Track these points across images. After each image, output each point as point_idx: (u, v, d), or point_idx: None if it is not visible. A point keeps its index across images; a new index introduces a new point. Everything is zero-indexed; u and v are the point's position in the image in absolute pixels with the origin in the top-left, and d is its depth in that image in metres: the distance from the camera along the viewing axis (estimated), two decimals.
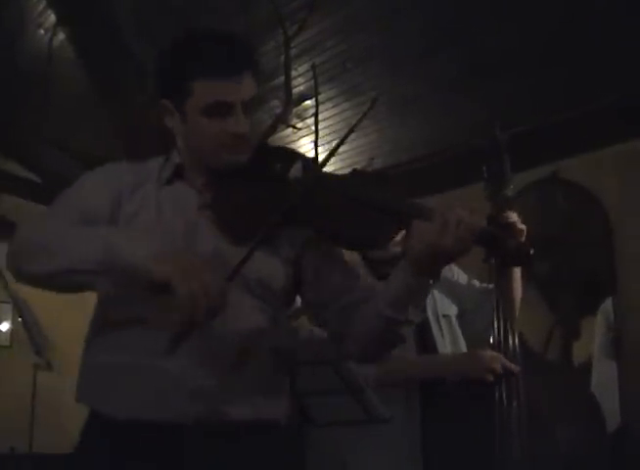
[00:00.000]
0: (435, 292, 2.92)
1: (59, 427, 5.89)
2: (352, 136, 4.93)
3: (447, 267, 3.02)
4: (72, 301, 5.20)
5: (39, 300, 5.51)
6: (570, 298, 4.35)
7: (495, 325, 2.71)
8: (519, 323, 2.99)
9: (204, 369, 1.60)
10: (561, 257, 4.37)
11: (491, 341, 2.73)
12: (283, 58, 3.97)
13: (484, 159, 2.84)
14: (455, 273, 3.03)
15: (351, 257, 2.05)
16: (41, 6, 4.33)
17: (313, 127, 4.30)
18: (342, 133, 4.82)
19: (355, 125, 1.71)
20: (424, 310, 2.89)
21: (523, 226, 2.76)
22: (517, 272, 2.83)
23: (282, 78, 4.04)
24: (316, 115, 4.17)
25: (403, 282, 1.60)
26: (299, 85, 4.37)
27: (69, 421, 6.03)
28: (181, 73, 1.65)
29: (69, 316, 6.23)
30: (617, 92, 3.94)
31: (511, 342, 2.69)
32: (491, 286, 2.86)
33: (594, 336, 4.19)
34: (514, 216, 2.76)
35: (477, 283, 3.01)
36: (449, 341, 2.90)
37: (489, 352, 2.64)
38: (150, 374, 1.61)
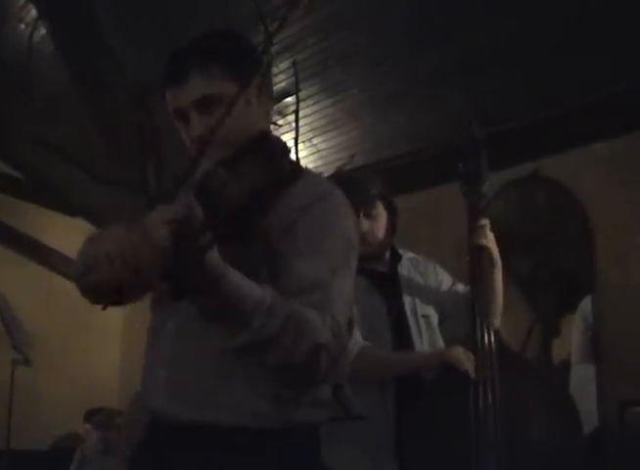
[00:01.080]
0: (415, 293, 2.92)
1: (37, 423, 5.89)
2: (333, 133, 4.96)
3: (432, 269, 3.03)
4: (50, 297, 5.21)
5: (17, 295, 5.52)
6: (549, 296, 4.35)
7: (473, 329, 2.71)
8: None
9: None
10: (541, 255, 4.37)
11: (469, 344, 2.74)
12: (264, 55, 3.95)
13: (461, 156, 2.84)
14: (439, 276, 3.02)
15: None
16: (22, 0, 4.31)
17: (294, 124, 4.29)
18: (324, 130, 4.83)
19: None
20: (400, 309, 2.90)
21: (491, 234, 2.78)
22: (498, 273, 2.84)
23: None
24: (297, 111, 4.16)
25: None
26: (281, 82, 4.37)
27: (48, 417, 6.06)
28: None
29: (47, 312, 6.23)
30: (598, 92, 3.94)
31: (488, 345, 2.70)
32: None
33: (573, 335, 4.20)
34: (485, 222, 2.78)
35: (460, 287, 3.00)
36: (427, 341, 2.89)
37: (463, 350, 2.64)
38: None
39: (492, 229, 2.86)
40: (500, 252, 2.90)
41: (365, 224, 2.85)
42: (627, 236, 3.89)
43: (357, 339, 2.78)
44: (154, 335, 1.76)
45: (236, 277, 1.43)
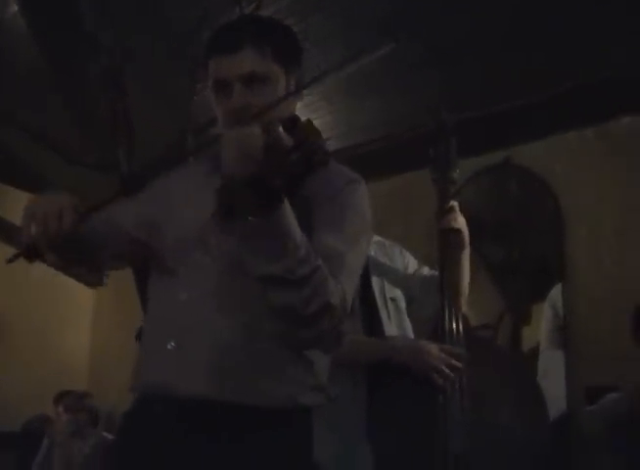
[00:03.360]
0: (383, 276, 2.93)
1: (7, 404, 5.85)
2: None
3: (398, 253, 3.04)
4: (19, 278, 5.17)
5: None
6: (520, 283, 4.37)
7: (441, 312, 2.72)
8: (467, 306, 3.01)
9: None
10: (512, 242, 4.39)
11: (436, 327, 2.75)
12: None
13: (431, 142, 2.84)
14: (406, 259, 3.03)
15: None
16: None
17: None
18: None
19: None
20: (368, 292, 2.91)
21: (461, 217, 2.80)
22: (465, 258, 2.85)
23: None
24: None
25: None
26: None
27: (18, 398, 6.01)
28: (204, 55, 1.77)
29: (16, 293, 6.18)
30: (570, 80, 3.95)
31: (455, 328, 2.70)
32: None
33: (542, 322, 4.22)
34: (455, 204, 2.79)
35: (426, 270, 3.01)
36: (396, 324, 2.90)
37: (437, 351, 2.64)
38: None
39: (463, 215, 2.88)
40: (471, 238, 2.91)
41: None
42: (598, 224, 3.91)
43: None
44: (161, 306, 1.78)
45: (290, 212, 1.52)
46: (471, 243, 2.91)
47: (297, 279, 1.53)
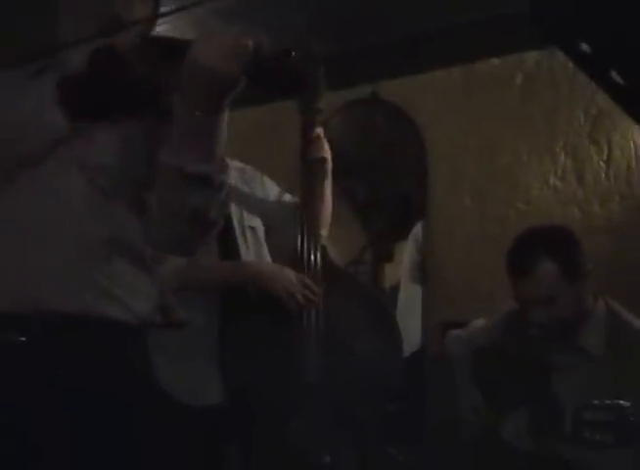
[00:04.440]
0: (241, 204, 2.89)
1: None
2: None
3: (259, 180, 3.00)
4: None
5: None
6: (384, 221, 4.39)
7: (299, 241, 2.70)
8: (330, 242, 3.00)
9: None
10: (377, 179, 4.39)
11: (295, 257, 2.74)
12: None
13: (298, 71, 2.80)
14: (267, 186, 3.00)
15: None
16: None
17: None
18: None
19: None
20: (229, 219, 2.86)
21: (326, 147, 2.78)
22: (327, 188, 2.83)
23: None
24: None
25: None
26: None
27: None
28: None
29: None
30: (440, 20, 3.93)
31: (314, 258, 2.70)
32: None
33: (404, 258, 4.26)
34: (320, 131, 2.78)
35: (287, 198, 2.99)
36: (254, 253, 2.88)
37: (293, 275, 2.63)
38: None
39: (329, 148, 2.86)
40: (336, 173, 2.90)
41: None
42: (460, 164, 3.95)
43: None
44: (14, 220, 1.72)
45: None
46: (335, 178, 2.91)
47: (219, 183, 1.57)
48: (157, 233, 1.65)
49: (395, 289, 4.25)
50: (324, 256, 2.75)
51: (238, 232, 2.87)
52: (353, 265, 4.22)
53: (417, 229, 4.18)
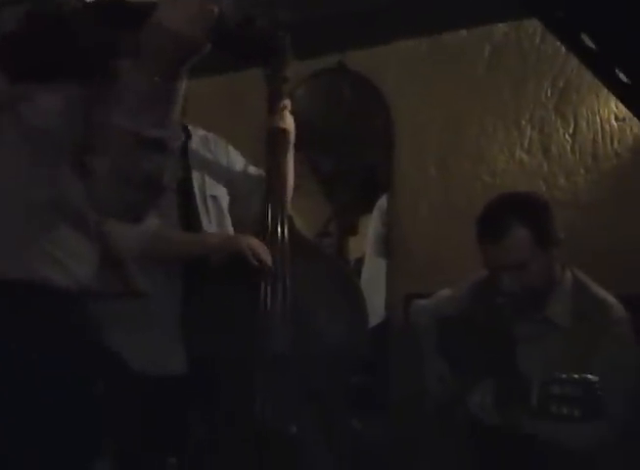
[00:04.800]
0: (204, 172, 2.86)
1: None
2: None
3: (223, 149, 2.97)
4: None
5: None
6: (348, 192, 4.37)
7: (265, 211, 2.69)
8: (295, 213, 2.99)
9: None
10: (342, 150, 4.36)
11: (261, 227, 2.72)
12: None
13: (262, 38, 2.77)
14: (231, 155, 2.97)
15: None
16: None
17: None
18: None
19: None
20: (188, 188, 2.83)
21: (290, 117, 2.76)
22: (290, 159, 2.81)
23: None
24: None
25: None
26: None
27: None
28: None
29: None
30: None
31: (280, 230, 2.68)
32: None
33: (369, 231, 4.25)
34: (287, 102, 2.75)
35: (252, 169, 2.97)
36: (215, 223, 2.86)
37: (257, 243, 2.62)
38: None
39: (295, 120, 2.84)
40: (302, 144, 2.88)
41: None
42: (425, 136, 3.94)
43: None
44: None
45: None
46: (300, 149, 2.89)
47: (172, 149, 1.56)
48: (104, 198, 1.61)
49: (360, 262, 4.24)
50: (290, 226, 2.73)
51: (199, 201, 2.84)
52: (318, 238, 4.20)
53: (382, 201, 4.16)
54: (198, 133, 2.94)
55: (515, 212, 2.41)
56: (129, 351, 2.76)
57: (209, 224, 2.84)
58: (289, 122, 2.80)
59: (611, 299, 2.44)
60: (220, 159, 2.93)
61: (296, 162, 2.87)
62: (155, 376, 2.75)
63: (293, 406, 2.55)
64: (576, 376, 1.88)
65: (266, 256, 2.59)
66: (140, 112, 1.49)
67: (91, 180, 1.58)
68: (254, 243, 2.60)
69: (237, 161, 2.97)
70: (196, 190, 2.84)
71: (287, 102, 2.80)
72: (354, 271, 4.10)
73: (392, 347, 3.59)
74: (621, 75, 1.29)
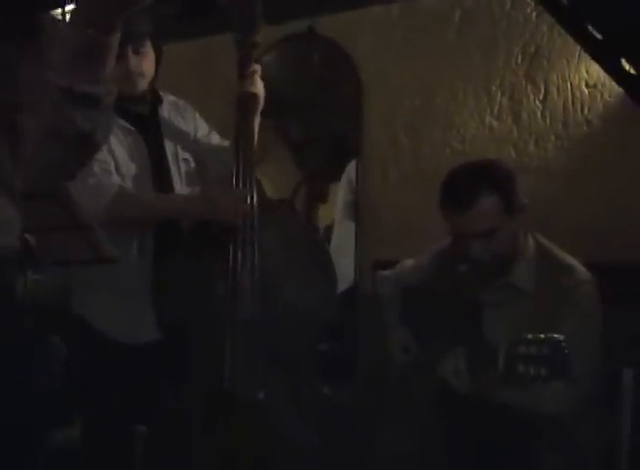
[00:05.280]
0: (175, 136, 2.86)
1: None
2: None
3: (191, 115, 2.96)
4: None
5: None
6: (318, 159, 4.35)
7: (234, 176, 2.67)
8: (266, 180, 2.97)
9: None
10: (312, 116, 4.33)
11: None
12: None
13: (235, 2, 2.74)
14: (197, 122, 2.97)
15: None
16: None
17: None
18: None
19: None
20: (161, 152, 2.81)
21: (260, 83, 2.74)
22: (257, 124, 2.80)
23: None
24: None
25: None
26: None
27: None
28: None
29: None
30: None
31: (248, 195, 2.67)
32: (227, 142, 2.83)
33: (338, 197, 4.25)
34: (257, 67, 2.74)
35: (215, 137, 2.97)
36: (187, 186, 2.86)
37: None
38: None
39: (265, 86, 2.83)
40: (272, 110, 2.87)
41: (133, 61, 2.72)
42: (395, 102, 3.92)
43: (114, 181, 2.69)
44: None
45: None
46: (271, 115, 2.88)
47: (106, 106, 1.52)
48: (35, 157, 1.56)
49: (329, 229, 4.25)
50: (259, 190, 2.71)
51: (172, 164, 2.84)
52: (288, 203, 4.18)
53: (350, 168, 4.15)
54: (168, 99, 2.93)
55: (484, 180, 2.40)
56: (100, 317, 2.76)
57: (181, 188, 2.84)
58: (259, 87, 2.78)
59: (575, 263, 2.45)
60: (188, 125, 2.93)
61: (265, 128, 2.86)
62: (126, 343, 2.75)
63: (261, 373, 2.55)
64: (542, 335, 1.89)
65: (239, 213, 2.57)
66: (73, 67, 1.44)
67: (20, 140, 1.52)
68: (228, 203, 2.58)
69: (201, 127, 2.97)
70: (168, 154, 2.83)
71: (257, 67, 2.78)
72: (324, 239, 4.10)
73: (361, 313, 3.60)
74: (594, 32, 1.28)
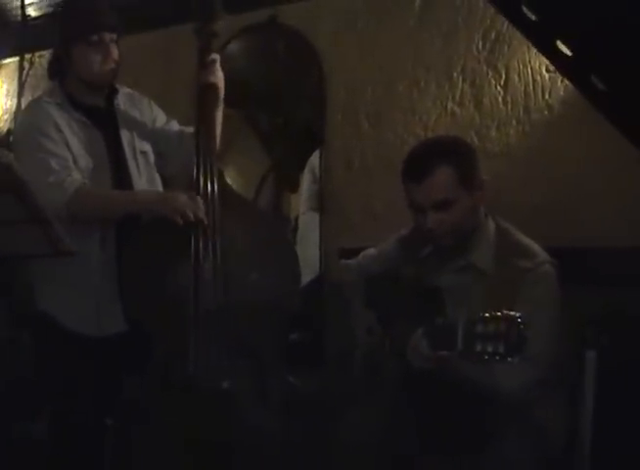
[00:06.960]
0: (132, 128, 2.85)
1: None
2: None
3: (147, 105, 2.95)
4: None
5: None
6: (285, 148, 4.34)
7: (195, 167, 2.68)
8: (235, 170, 2.97)
9: None
10: (278, 106, 4.32)
11: (191, 183, 2.70)
12: None
13: None
14: (154, 112, 2.97)
15: None
16: None
17: None
18: None
19: None
20: (118, 145, 2.81)
21: (220, 73, 2.74)
22: (218, 114, 2.80)
23: None
24: None
25: None
26: None
27: None
28: None
29: None
30: None
31: (210, 185, 2.67)
32: (190, 129, 2.83)
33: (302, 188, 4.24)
34: (216, 57, 2.74)
35: (175, 125, 2.97)
36: (146, 179, 2.86)
37: (185, 196, 2.60)
38: None
39: (230, 77, 2.83)
40: (237, 100, 2.87)
41: (115, 51, 2.73)
42: (358, 91, 3.91)
43: (75, 177, 2.68)
44: None
45: None
46: (238, 105, 2.88)
47: None
48: None
49: (295, 217, 4.24)
50: (221, 181, 2.72)
51: (130, 158, 2.84)
52: (254, 192, 4.19)
53: (313, 157, 4.15)
54: (123, 90, 2.93)
55: (439, 153, 2.46)
56: (64, 311, 2.75)
57: (140, 181, 2.84)
58: (218, 77, 2.78)
59: (534, 245, 2.48)
60: (145, 115, 2.92)
61: (233, 119, 2.86)
62: (91, 336, 2.75)
63: (225, 362, 2.56)
64: (499, 313, 1.91)
65: (199, 212, 2.57)
66: None
67: None
68: (184, 201, 2.58)
69: (159, 117, 2.96)
70: (125, 146, 2.83)
71: (216, 56, 2.78)
72: (295, 228, 4.11)
73: (327, 302, 3.61)
74: (563, 48, 1.29)
